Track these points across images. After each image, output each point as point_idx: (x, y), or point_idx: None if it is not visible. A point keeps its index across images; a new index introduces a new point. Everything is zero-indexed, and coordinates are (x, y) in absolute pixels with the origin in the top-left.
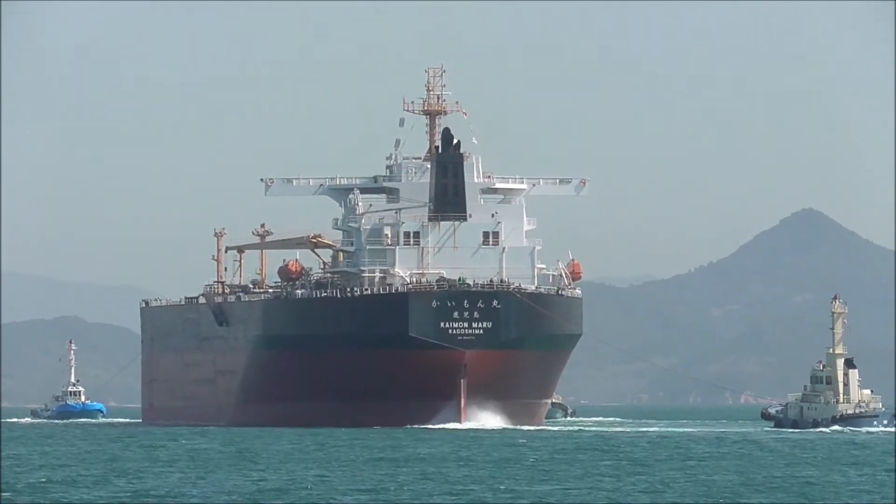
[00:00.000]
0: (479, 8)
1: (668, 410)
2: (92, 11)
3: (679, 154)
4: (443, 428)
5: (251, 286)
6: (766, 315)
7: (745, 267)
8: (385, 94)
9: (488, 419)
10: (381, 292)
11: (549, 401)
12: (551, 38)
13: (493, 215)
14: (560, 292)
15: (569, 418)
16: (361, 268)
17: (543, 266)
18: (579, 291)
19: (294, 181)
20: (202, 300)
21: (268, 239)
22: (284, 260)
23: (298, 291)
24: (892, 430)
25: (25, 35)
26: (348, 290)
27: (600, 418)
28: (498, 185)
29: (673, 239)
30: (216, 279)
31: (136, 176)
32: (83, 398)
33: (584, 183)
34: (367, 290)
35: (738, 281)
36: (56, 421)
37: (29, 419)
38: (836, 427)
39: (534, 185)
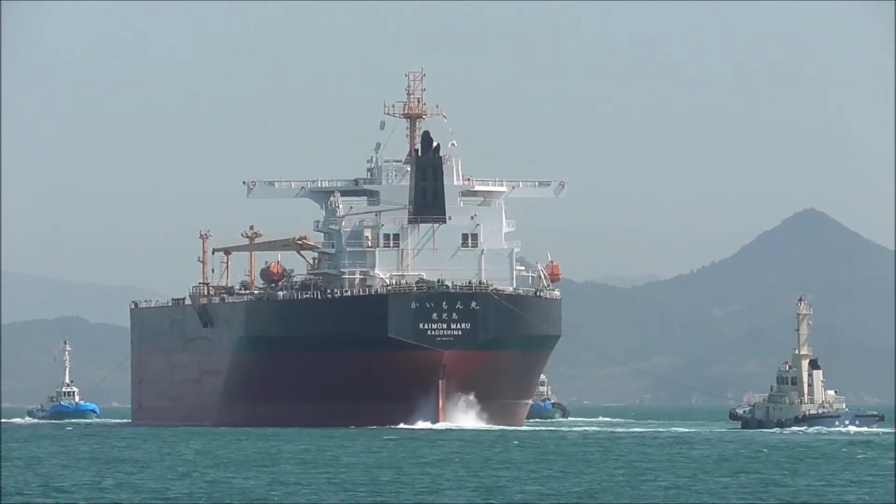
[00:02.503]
0: (460, 12)
1: (662, 411)
2: (81, 15)
3: (681, 154)
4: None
5: (236, 288)
6: (767, 315)
7: (747, 267)
8: (366, 97)
9: (467, 419)
10: (361, 294)
11: (530, 401)
12: (533, 41)
13: (472, 217)
14: (538, 294)
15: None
16: (342, 269)
17: (522, 268)
18: (558, 293)
19: (276, 184)
20: (189, 301)
21: (255, 241)
22: (266, 262)
23: (280, 293)
24: (853, 430)
25: (25, 36)
26: (329, 291)
27: (581, 419)
28: (477, 188)
29: (675, 239)
30: (202, 281)
31: (136, 177)
32: (77, 398)
33: (563, 185)
34: (347, 291)
35: (739, 281)
36: (50, 421)
37: (25, 419)
38: (796, 427)
39: (513, 187)
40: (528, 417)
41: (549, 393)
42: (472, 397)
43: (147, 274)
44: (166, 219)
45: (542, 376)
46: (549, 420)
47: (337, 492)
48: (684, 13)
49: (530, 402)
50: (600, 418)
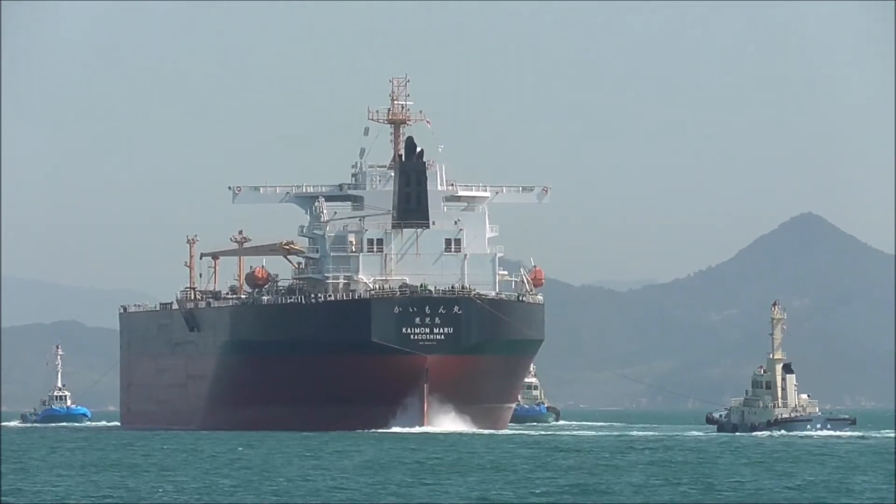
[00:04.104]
0: (444, 18)
1: (656, 416)
2: (68, 18)
3: (679, 158)
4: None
5: (225, 292)
6: (765, 319)
7: (744, 271)
8: (351, 103)
9: (450, 423)
10: (345, 298)
11: (513, 405)
12: (518, 46)
13: (455, 222)
14: (521, 298)
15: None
16: (326, 274)
17: (505, 272)
18: (541, 297)
19: (261, 189)
20: (176, 306)
21: (244, 245)
22: (251, 267)
23: (264, 298)
24: (824, 433)
25: (20, 40)
26: (312, 296)
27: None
28: (461, 193)
29: (672, 243)
30: (189, 285)
31: (131, 181)
32: (69, 402)
33: (547, 191)
34: (330, 296)
35: (737, 285)
36: (41, 425)
37: (18, 423)
38: (767, 431)
39: (497, 192)
40: (523, 421)
41: (543, 396)
42: (455, 401)
43: (142, 278)
44: (161, 223)
45: (535, 380)
46: (542, 424)
47: None
48: (676, 14)
49: (514, 405)
50: (561, 422)
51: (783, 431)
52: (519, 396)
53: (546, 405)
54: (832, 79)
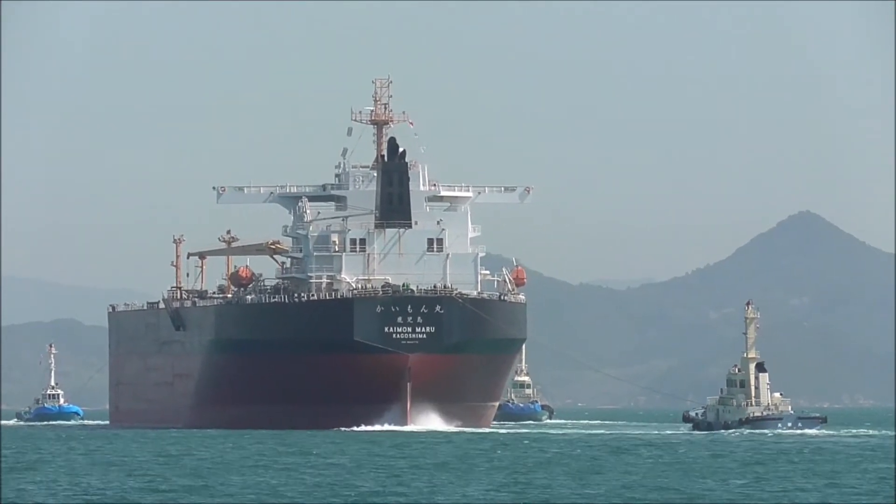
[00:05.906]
0: (427, 19)
1: (651, 414)
2: (68, 18)
3: (677, 156)
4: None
5: (212, 292)
6: (763, 318)
7: (742, 270)
8: (334, 103)
9: (433, 422)
10: (327, 298)
11: (496, 404)
12: (501, 47)
13: (438, 222)
14: (503, 298)
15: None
16: (309, 274)
17: (488, 272)
18: (523, 297)
19: (245, 189)
20: (162, 305)
21: (232, 245)
22: (235, 266)
23: (249, 297)
24: (796, 432)
25: (20, 40)
26: (296, 295)
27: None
28: (444, 193)
29: (670, 241)
30: (175, 285)
31: (127, 182)
32: (61, 401)
33: (529, 191)
34: (313, 295)
35: (735, 284)
36: (34, 423)
37: (15, 421)
38: (740, 429)
39: (479, 192)
40: (518, 419)
41: (536, 394)
42: (438, 400)
43: (141, 277)
44: (158, 223)
45: (528, 378)
46: (535, 422)
47: None
48: (673, 13)
49: (497, 404)
50: (542, 421)
51: (752, 430)
52: (513, 395)
53: (541, 403)
54: (832, 79)
